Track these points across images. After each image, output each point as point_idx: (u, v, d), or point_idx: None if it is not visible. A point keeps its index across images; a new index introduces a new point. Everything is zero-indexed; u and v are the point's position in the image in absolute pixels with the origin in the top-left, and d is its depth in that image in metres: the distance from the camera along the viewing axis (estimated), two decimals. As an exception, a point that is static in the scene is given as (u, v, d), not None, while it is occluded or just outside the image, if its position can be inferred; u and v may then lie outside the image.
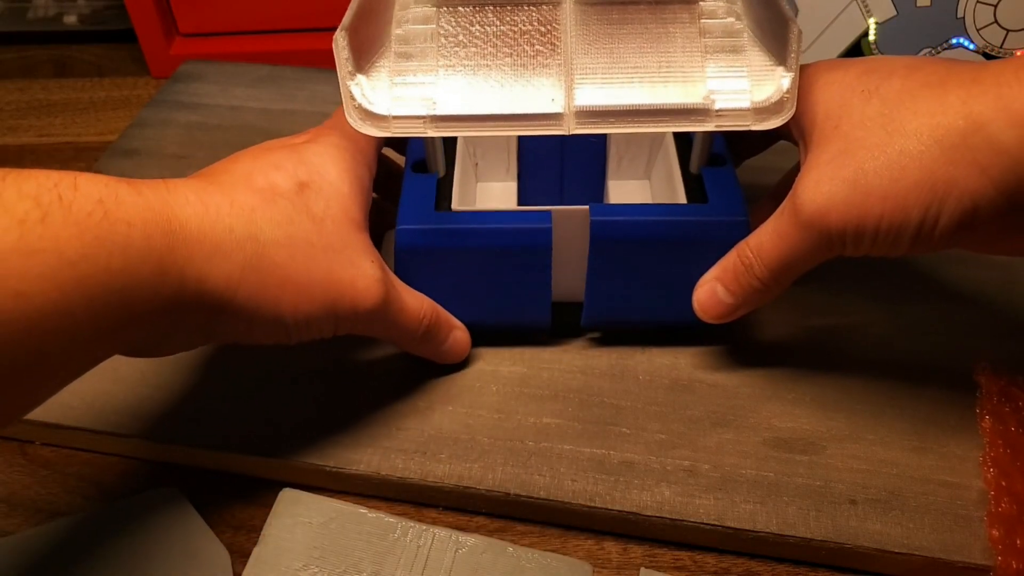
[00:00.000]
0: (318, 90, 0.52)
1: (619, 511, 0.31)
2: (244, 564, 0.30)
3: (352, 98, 0.29)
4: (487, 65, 0.29)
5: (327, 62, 0.56)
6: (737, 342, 0.37)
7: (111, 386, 0.35)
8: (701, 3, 0.30)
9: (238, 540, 0.31)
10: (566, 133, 0.29)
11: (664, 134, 0.37)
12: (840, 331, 0.37)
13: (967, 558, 0.29)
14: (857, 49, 0.51)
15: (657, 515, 0.30)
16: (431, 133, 0.29)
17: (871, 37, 0.50)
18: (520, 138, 0.36)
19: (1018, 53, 0.47)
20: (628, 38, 0.30)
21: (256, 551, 0.30)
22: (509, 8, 0.30)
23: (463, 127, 0.29)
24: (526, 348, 0.36)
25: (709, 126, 0.29)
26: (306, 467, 0.32)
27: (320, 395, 0.35)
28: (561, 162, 0.37)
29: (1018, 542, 0.28)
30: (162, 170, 0.47)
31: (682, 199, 0.34)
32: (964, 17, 0.47)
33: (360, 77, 0.29)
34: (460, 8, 0.30)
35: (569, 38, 0.30)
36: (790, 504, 0.31)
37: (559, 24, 0.30)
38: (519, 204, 0.38)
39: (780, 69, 0.29)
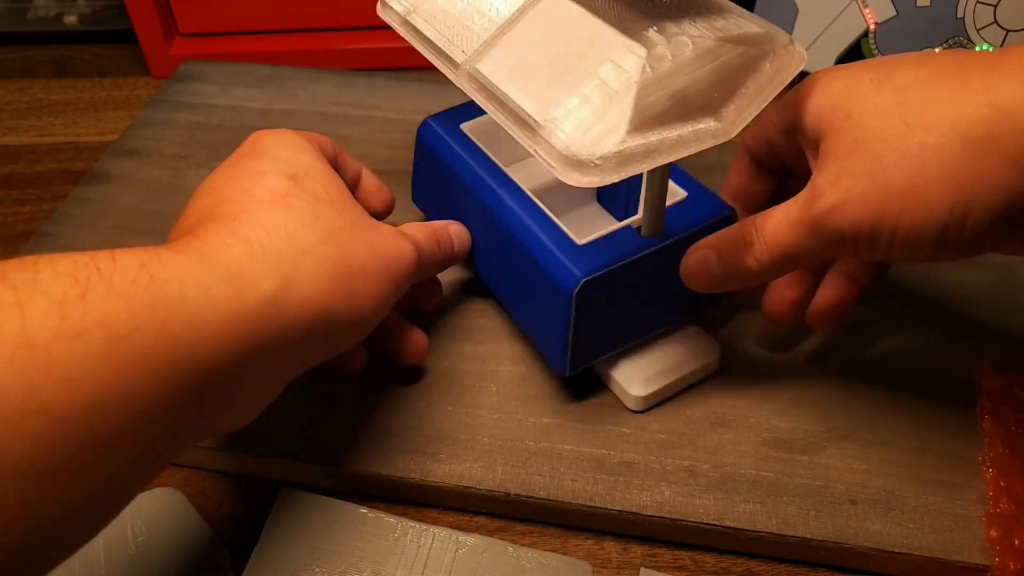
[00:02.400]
0: (318, 90, 0.52)
1: (619, 511, 0.31)
2: (244, 564, 0.30)
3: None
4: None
5: (327, 62, 0.56)
6: (737, 343, 0.37)
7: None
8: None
9: (238, 540, 0.31)
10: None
11: None
12: (840, 331, 0.37)
13: (966, 558, 0.29)
14: (857, 49, 0.51)
15: (657, 515, 0.30)
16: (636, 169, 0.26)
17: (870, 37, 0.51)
18: None
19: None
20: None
21: (256, 551, 0.30)
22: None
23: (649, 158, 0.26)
24: (526, 348, 0.36)
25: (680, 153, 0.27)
26: (306, 467, 0.32)
27: (320, 395, 0.35)
28: None
29: (1016, 542, 0.28)
30: (162, 169, 0.47)
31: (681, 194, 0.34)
32: (964, 17, 0.47)
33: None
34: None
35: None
36: (790, 504, 0.31)
37: None
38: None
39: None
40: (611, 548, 0.31)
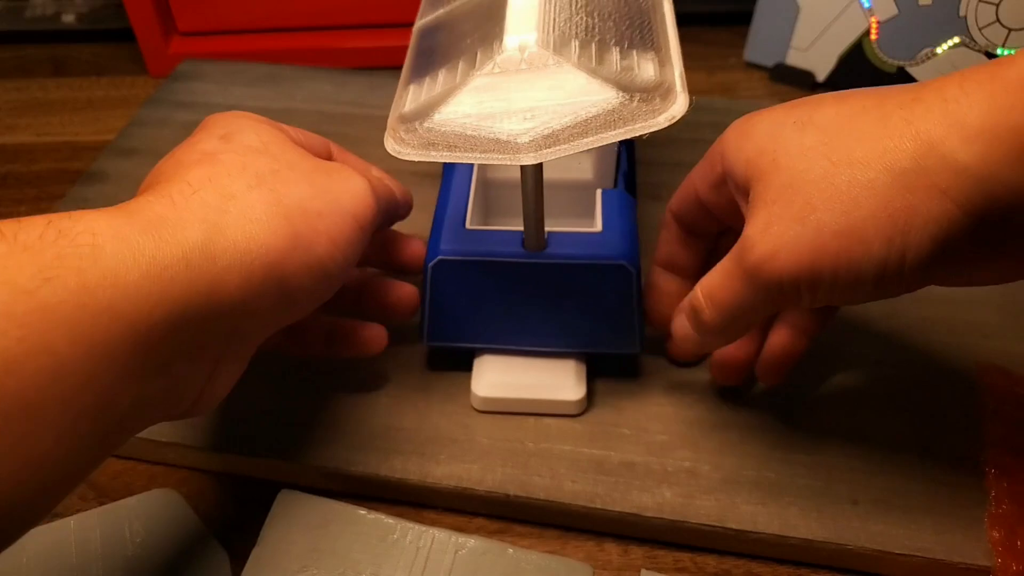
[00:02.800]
0: (317, 88, 0.52)
1: (619, 512, 0.31)
2: (242, 565, 0.29)
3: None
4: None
5: (326, 60, 0.56)
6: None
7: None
8: None
9: (236, 541, 0.31)
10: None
11: None
12: (841, 331, 0.37)
13: (968, 559, 0.29)
14: (859, 48, 0.51)
15: (658, 516, 0.30)
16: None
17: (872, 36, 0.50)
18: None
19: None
20: None
21: (254, 552, 0.30)
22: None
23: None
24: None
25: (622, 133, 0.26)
26: (304, 468, 0.32)
27: (318, 396, 0.34)
28: None
29: (1018, 543, 0.28)
30: (160, 169, 0.47)
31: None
32: (966, 16, 0.47)
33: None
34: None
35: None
36: (791, 505, 0.30)
37: None
38: None
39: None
40: (612, 550, 0.31)
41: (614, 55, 0.26)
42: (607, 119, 0.25)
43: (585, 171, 0.37)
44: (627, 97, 0.25)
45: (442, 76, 0.27)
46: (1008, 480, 0.29)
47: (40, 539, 0.30)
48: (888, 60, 0.51)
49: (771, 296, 0.26)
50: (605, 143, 0.25)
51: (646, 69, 0.26)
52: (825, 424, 0.33)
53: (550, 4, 0.27)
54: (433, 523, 0.31)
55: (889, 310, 0.38)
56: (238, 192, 0.24)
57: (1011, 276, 0.25)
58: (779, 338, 0.31)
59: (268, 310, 0.25)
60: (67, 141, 0.52)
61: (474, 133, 0.26)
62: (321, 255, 0.26)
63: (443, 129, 0.26)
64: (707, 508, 0.30)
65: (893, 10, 0.49)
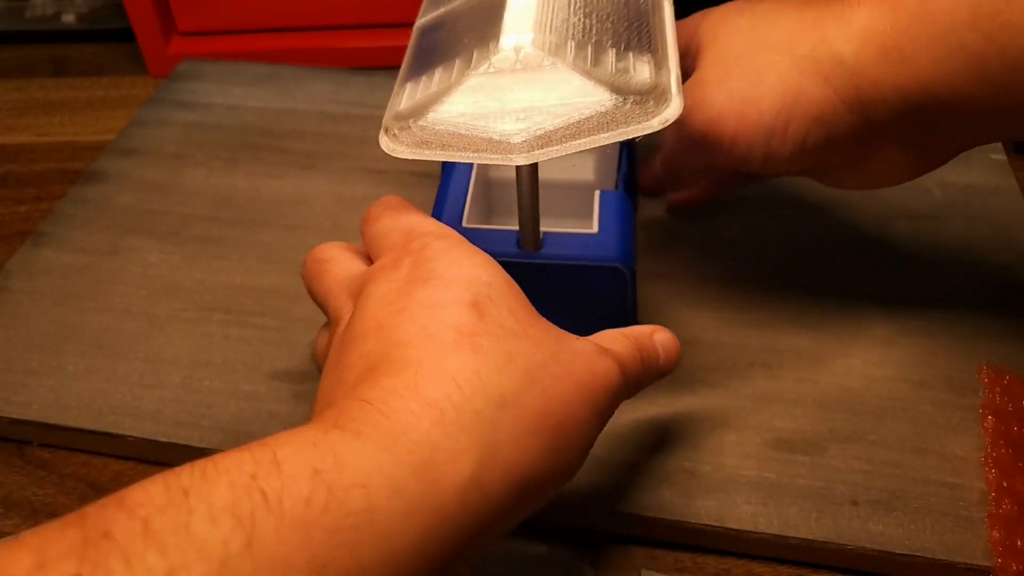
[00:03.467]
0: (317, 89, 0.52)
1: (619, 512, 0.31)
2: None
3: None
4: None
5: (326, 60, 0.56)
6: (737, 343, 0.36)
7: (108, 386, 0.35)
8: None
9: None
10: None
11: None
12: (842, 331, 0.37)
13: (968, 559, 0.29)
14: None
15: (658, 516, 0.30)
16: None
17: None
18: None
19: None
20: None
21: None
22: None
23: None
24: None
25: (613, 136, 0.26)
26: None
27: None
28: None
29: (1019, 543, 0.28)
30: (160, 169, 0.47)
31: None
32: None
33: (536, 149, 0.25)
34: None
35: None
36: (791, 505, 0.30)
37: None
38: None
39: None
40: (612, 549, 0.31)
41: (610, 57, 0.26)
42: (600, 121, 0.25)
43: (586, 172, 0.37)
44: (621, 99, 0.25)
45: (438, 75, 0.27)
46: (1008, 480, 0.29)
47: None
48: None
49: (692, 147, 0.32)
50: (598, 145, 0.25)
51: (641, 71, 0.26)
52: (825, 424, 0.33)
53: (548, 5, 0.27)
54: (433, 523, 0.31)
55: (891, 310, 0.38)
56: (510, 398, 0.21)
57: (885, 179, 0.31)
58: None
59: (516, 520, 0.22)
60: (67, 141, 0.52)
61: (467, 132, 0.25)
62: (573, 463, 0.23)
63: (437, 128, 0.26)
64: (707, 508, 0.30)
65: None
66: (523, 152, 0.25)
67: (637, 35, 0.28)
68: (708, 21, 0.32)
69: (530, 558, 0.30)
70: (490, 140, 0.25)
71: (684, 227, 0.42)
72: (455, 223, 0.33)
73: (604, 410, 0.24)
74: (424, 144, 0.26)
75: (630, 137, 0.25)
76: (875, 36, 0.27)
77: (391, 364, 0.21)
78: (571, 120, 0.25)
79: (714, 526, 0.30)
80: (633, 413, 0.34)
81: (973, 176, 0.45)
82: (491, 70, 0.26)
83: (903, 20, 0.27)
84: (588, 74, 0.25)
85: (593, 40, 0.27)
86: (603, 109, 0.25)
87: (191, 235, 0.42)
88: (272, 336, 0.37)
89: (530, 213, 0.30)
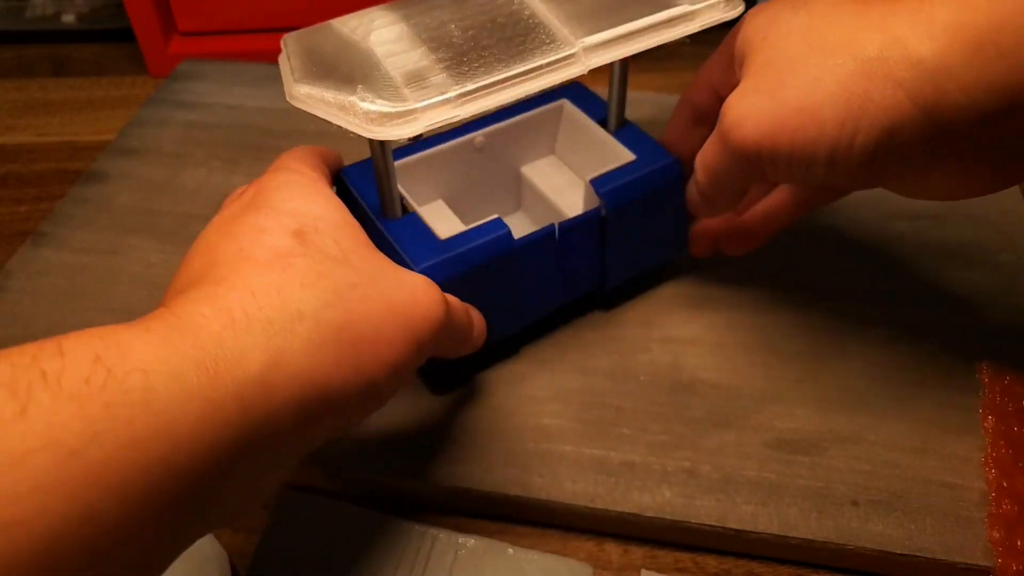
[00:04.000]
0: (317, 89, 0.52)
1: (620, 512, 0.31)
2: (244, 566, 0.29)
3: (361, 108, 0.26)
4: (478, 50, 0.29)
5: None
6: (737, 344, 0.36)
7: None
8: None
9: (237, 542, 0.31)
10: (584, 71, 0.29)
11: (562, 108, 0.39)
12: (842, 332, 0.37)
13: (968, 559, 0.29)
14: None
15: (658, 516, 0.30)
16: (463, 113, 0.27)
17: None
18: (441, 151, 0.37)
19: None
20: None
21: (256, 553, 0.30)
22: (474, 12, 0.30)
23: (490, 95, 0.28)
24: (526, 348, 0.36)
25: (695, 26, 0.31)
26: (305, 469, 0.32)
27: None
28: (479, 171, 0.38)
29: (1019, 543, 0.28)
30: (160, 169, 0.47)
31: (630, 157, 0.35)
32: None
33: (360, 88, 0.27)
34: (423, 18, 0.30)
35: (539, 7, 0.31)
36: (792, 505, 0.30)
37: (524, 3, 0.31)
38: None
39: None
40: (612, 550, 0.31)
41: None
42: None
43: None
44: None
45: None
46: (1008, 480, 0.29)
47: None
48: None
49: (741, 163, 0.28)
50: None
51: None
52: (825, 425, 0.33)
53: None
54: (434, 523, 0.31)
55: (890, 310, 0.38)
56: (308, 312, 0.22)
57: (961, 191, 0.27)
58: (751, 214, 0.35)
59: (320, 435, 0.23)
60: (67, 141, 0.52)
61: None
62: (375, 382, 0.23)
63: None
64: (707, 508, 0.30)
65: None
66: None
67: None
68: (757, 21, 0.29)
69: (531, 558, 0.30)
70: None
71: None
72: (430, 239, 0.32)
73: (422, 339, 0.25)
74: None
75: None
76: (966, 30, 0.23)
77: (204, 280, 0.22)
78: None
79: (714, 526, 0.30)
80: (633, 413, 0.34)
81: (973, 176, 0.44)
82: None
83: (1003, 11, 0.23)
84: None
85: None
86: None
87: (192, 234, 0.41)
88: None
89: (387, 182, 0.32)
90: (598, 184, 0.34)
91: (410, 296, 0.25)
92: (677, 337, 0.37)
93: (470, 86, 0.27)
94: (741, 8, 0.31)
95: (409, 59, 0.28)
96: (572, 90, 0.39)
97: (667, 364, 0.36)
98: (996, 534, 0.29)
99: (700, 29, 0.31)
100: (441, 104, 0.27)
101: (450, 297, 0.28)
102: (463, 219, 0.38)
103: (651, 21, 0.30)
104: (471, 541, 0.30)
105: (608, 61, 0.29)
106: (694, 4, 0.30)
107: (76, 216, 0.44)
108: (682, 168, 0.35)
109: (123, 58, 0.60)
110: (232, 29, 0.58)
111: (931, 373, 0.35)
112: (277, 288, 0.22)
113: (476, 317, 0.31)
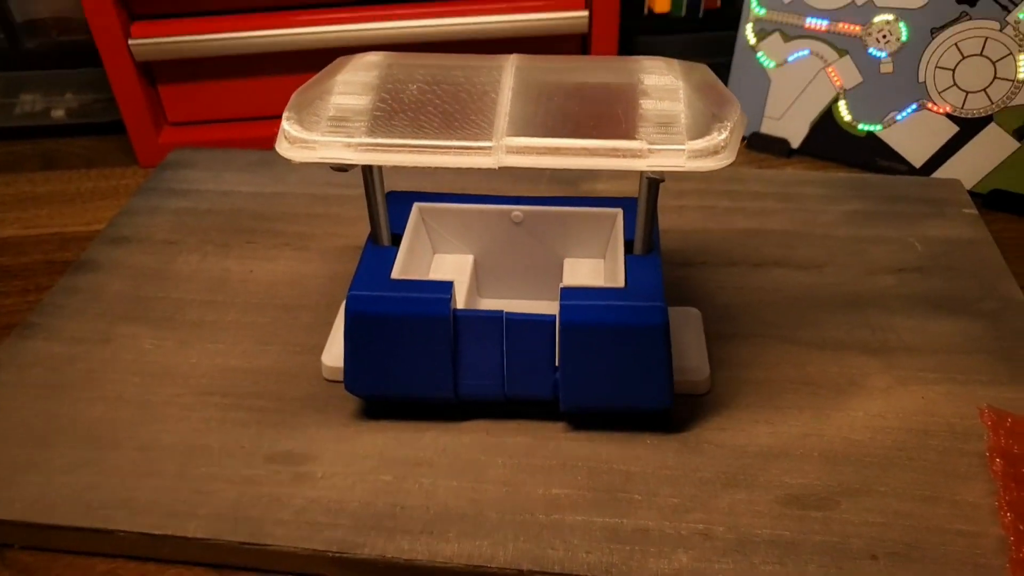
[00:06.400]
0: (308, 172, 0.53)
1: (637, 580, 0.30)
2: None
3: (283, 128, 0.31)
4: (417, 113, 0.31)
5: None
6: (740, 402, 0.37)
7: (99, 478, 0.34)
8: (642, 65, 0.32)
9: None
10: (495, 166, 0.30)
11: (617, 217, 0.37)
12: (840, 385, 0.37)
13: (994, 610, 0.28)
14: (829, 114, 0.54)
15: (676, 582, 0.30)
16: (355, 158, 0.30)
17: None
18: (473, 209, 0.38)
19: (979, 113, 0.49)
20: (566, 96, 0.32)
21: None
22: (449, 80, 0.32)
23: (389, 154, 0.30)
24: (530, 418, 0.36)
25: (642, 164, 0.29)
26: (308, 553, 0.31)
27: (319, 478, 0.34)
28: (511, 243, 0.38)
29: (1041, 591, 0.28)
30: (153, 256, 0.47)
31: (621, 284, 0.34)
32: (925, 82, 0.50)
33: (297, 114, 0.31)
34: (400, 72, 0.33)
35: (506, 97, 0.31)
36: (810, 562, 0.30)
37: (497, 86, 0.32)
38: (475, 279, 0.39)
39: (717, 124, 0.30)
40: (631, 621, 0.30)
41: None
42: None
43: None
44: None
45: None
46: (1024, 524, 0.29)
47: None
48: (857, 125, 0.53)
49: None
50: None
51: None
52: (834, 478, 0.33)
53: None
54: (446, 603, 0.30)
55: (883, 361, 0.38)
56: None
57: None
58: None
59: None
60: (55, 232, 0.52)
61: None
62: None
63: None
64: (725, 571, 0.30)
65: (858, 78, 0.52)
66: None
67: None
68: None
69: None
70: None
71: (677, 292, 0.43)
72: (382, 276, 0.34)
73: None
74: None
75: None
76: None
77: None
78: None
79: (734, 589, 0.29)
80: (642, 477, 0.33)
81: (950, 230, 0.46)
82: None
83: None
84: None
85: None
86: None
87: (185, 320, 0.42)
88: (270, 418, 0.36)
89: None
90: (567, 294, 0.33)
91: None
92: (679, 398, 0.37)
93: (374, 140, 0.30)
94: (720, 163, 0.29)
95: (355, 101, 0.31)
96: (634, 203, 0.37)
97: (672, 426, 0.36)
98: (1018, 581, 0.28)
99: (648, 169, 0.30)
100: (340, 145, 0.30)
101: None
102: (489, 286, 0.39)
103: (593, 144, 0.29)
104: (486, 619, 0.29)
105: (526, 166, 0.29)
106: (654, 144, 0.29)
107: (66, 306, 0.43)
108: (664, 315, 0.32)
109: (112, 150, 0.61)
110: (221, 118, 0.59)
111: (933, 421, 0.35)
112: None
113: None
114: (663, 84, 0.31)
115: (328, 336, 0.40)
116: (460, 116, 0.30)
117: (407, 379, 0.34)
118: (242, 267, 0.45)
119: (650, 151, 0.29)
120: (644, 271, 0.34)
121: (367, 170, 0.34)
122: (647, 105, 0.30)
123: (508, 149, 0.29)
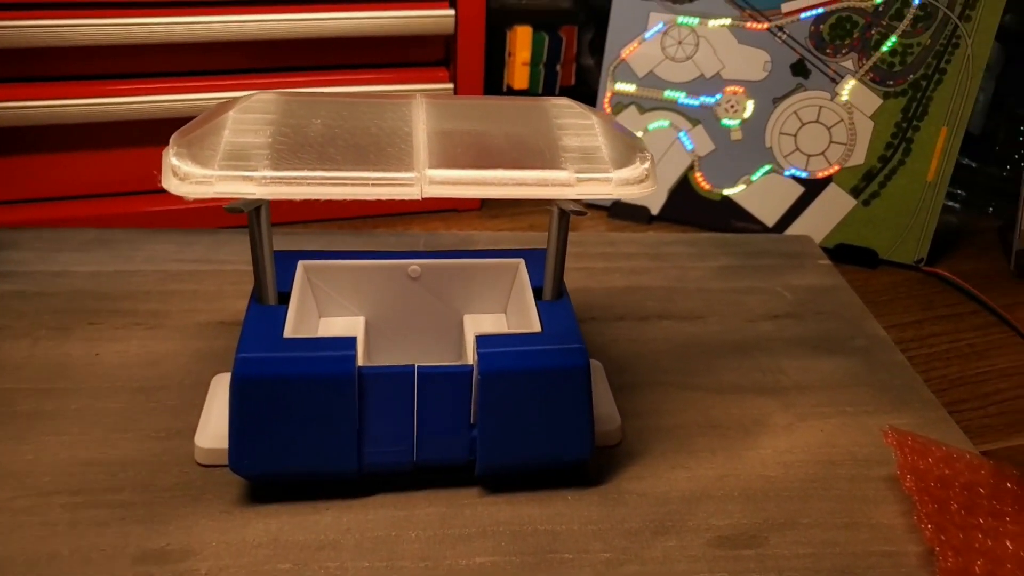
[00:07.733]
0: (158, 249, 0.48)
1: (582, 647, 0.27)
2: None
3: (172, 164, 0.27)
4: (323, 147, 0.28)
5: (165, 222, 0.52)
6: (653, 450, 0.36)
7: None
8: (551, 103, 0.32)
9: None
10: (418, 197, 0.28)
11: (520, 267, 0.36)
12: (746, 425, 0.37)
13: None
14: (686, 181, 0.57)
15: (624, 643, 0.27)
16: (259, 192, 0.27)
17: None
18: (366, 266, 0.35)
19: (820, 174, 0.54)
20: (483, 130, 0.31)
21: None
22: (355, 116, 0.30)
23: (299, 187, 0.27)
24: (441, 487, 0.33)
25: (571, 193, 0.29)
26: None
27: (203, 575, 0.28)
28: (405, 298, 0.36)
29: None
30: (-33, 345, 0.39)
31: (536, 328, 0.32)
32: (771, 147, 0.54)
33: (188, 149, 0.28)
34: (303, 109, 0.31)
35: (421, 131, 0.30)
36: (753, 603, 0.29)
37: (409, 121, 0.30)
38: (366, 338, 0.36)
39: (639, 154, 0.30)
40: None
41: None
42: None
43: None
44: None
45: None
46: (944, 533, 0.30)
47: None
48: (713, 189, 0.57)
49: None
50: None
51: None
52: (759, 514, 0.33)
53: None
54: None
55: (780, 400, 0.39)
56: None
57: None
58: None
59: None
60: None
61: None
62: None
63: None
64: (672, 623, 0.28)
65: (711, 146, 0.56)
66: None
67: None
68: None
69: None
70: None
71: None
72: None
73: None
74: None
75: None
76: None
77: None
78: None
79: (684, 642, 0.27)
80: (570, 535, 0.31)
81: (810, 279, 0.49)
82: None
83: None
84: None
85: None
86: None
87: (18, 412, 0.35)
88: (135, 513, 0.30)
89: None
90: (484, 342, 0.31)
91: None
92: (597, 451, 0.35)
93: (281, 173, 0.27)
94: (644, 191, 0.29)
95: (251, 138, 0.29)
96: (537, 253, 0.36)
97: (590, 479, 0.34)
98: (948, 591, 0.28)
99: (577, 198, 0.29)
100: (240, 179, 0.27)
101: None
102: (381, 349, 0.36)
103: (521, 175, 0.28)
104: None
105: (449, 196, 0.28)
106: (581, 173, 0.29)
107: None
108: (585, 356, 0.31)
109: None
110: (51, 196, 0.52)
111: (836, 452, 0.36)
112: None
113: None
114: (576, 120, 0.31)
115: (199, 416, 0.34)
116: (375, 150, 0.28)
117: (304, 452, 0.30)
118: (86, 350, 0.39)
119: (578, 180, 0.29)
120: (558, 315, 0.33)
121: (254, 218, 0.30)
122: (567, 139, 0.30)
123: (432, 180, 0.28)
